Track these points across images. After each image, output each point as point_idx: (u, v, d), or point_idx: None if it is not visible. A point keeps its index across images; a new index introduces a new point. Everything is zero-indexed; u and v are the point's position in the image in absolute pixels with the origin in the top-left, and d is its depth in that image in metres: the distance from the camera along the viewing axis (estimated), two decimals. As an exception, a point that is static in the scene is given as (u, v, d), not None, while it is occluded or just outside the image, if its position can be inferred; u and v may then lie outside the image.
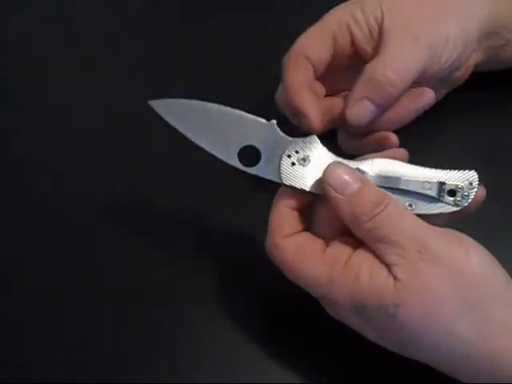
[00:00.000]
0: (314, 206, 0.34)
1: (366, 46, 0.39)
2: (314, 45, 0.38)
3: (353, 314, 0.31)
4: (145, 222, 0.43)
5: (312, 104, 0.37)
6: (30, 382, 0.37)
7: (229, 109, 0.34)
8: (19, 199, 0.45)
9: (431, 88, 0.41)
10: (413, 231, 0.30)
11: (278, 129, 0.34)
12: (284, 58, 0.39)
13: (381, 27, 0.38)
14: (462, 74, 0.42)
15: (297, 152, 0.33)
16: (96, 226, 0.43)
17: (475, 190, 0.32)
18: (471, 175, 0.33)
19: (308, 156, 0.33)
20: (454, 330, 0.29)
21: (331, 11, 0.39)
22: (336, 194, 0.31)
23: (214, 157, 0.34)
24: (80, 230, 0.43)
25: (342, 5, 0.40)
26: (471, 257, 0.30)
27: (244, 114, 0.34)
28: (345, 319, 0.33)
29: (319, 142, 0.33)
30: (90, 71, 0.52)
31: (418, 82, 0.38)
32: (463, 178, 0.32)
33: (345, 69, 0.40)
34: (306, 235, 0.33)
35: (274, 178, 0.33)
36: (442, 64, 0.38)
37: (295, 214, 0.34)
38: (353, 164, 0.33)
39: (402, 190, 0.32)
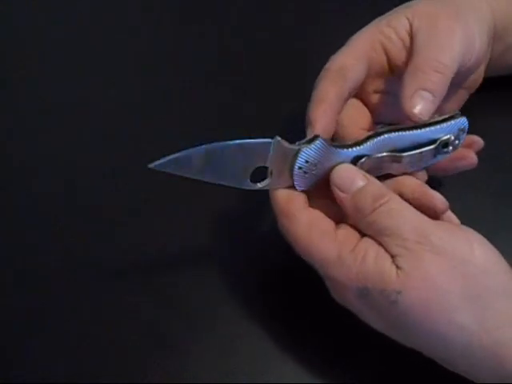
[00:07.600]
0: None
1: (401, 60, 0.38)
2: (351, 64, 0.37)
3: (357, 297, 0.32)
4: (145, 222, 0.43)
5: (323, 118, 0.35)
6: (30, 381, 0.37)
7: (230, 142, 0.32)
8: (19, 201, 0.45)
9: (459, 90, 0.41)
10: (414, 223, 0.31)
11: (285, 142, 0.33)
12: (319, 75, 0.37)
13: (411, 34, 0.37)
14: (477, 77, 0.41)
15: (307, 162, 0.33)
16: (95, 226, 0.43)
17: (464, 134, 0.35)
18: (462, 122, 0.35)
19: (318, 162, 0.33)
20: (454, 319, 0.29)
21: (358, 34, 0.39)
22: (341, 193, 0.33)
23: (229, 187, 0.33)
24: (80, 231, 0.43)
25: (367, 26, 0.39)
26: (475, 249, 0.31)
27: (246, 141, 0.32)
28: (349, 304, 0.33)
29: (324, 142, 0.33)
30: (90, 71, 0.53)
31: (454, 82, 0.37)
32: (455, 128, 0.35)
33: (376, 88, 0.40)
34: (318, 212, 0.33)
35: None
36: (476, 55, 0.38)
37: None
38: (355, 151, 0.34)
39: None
